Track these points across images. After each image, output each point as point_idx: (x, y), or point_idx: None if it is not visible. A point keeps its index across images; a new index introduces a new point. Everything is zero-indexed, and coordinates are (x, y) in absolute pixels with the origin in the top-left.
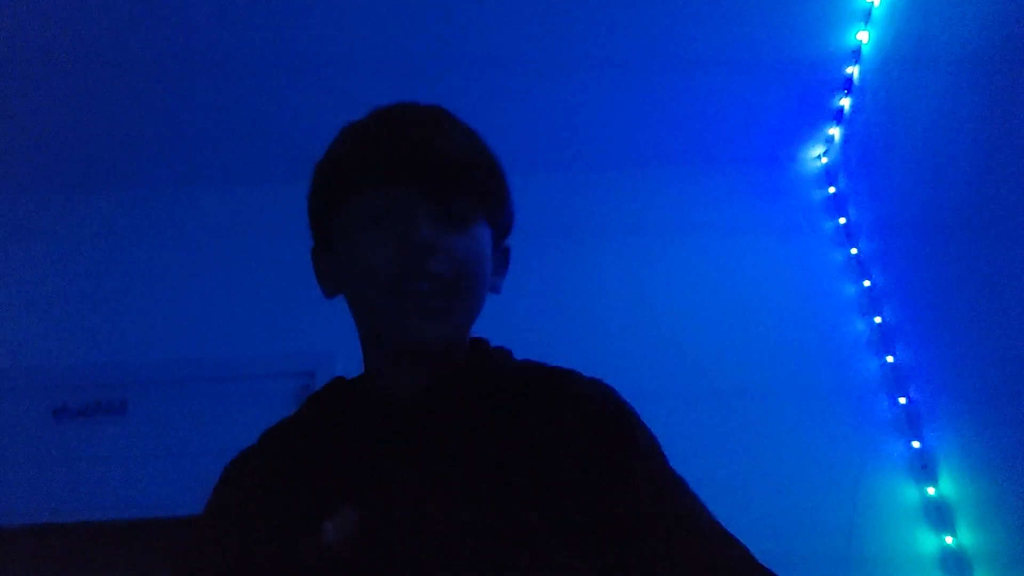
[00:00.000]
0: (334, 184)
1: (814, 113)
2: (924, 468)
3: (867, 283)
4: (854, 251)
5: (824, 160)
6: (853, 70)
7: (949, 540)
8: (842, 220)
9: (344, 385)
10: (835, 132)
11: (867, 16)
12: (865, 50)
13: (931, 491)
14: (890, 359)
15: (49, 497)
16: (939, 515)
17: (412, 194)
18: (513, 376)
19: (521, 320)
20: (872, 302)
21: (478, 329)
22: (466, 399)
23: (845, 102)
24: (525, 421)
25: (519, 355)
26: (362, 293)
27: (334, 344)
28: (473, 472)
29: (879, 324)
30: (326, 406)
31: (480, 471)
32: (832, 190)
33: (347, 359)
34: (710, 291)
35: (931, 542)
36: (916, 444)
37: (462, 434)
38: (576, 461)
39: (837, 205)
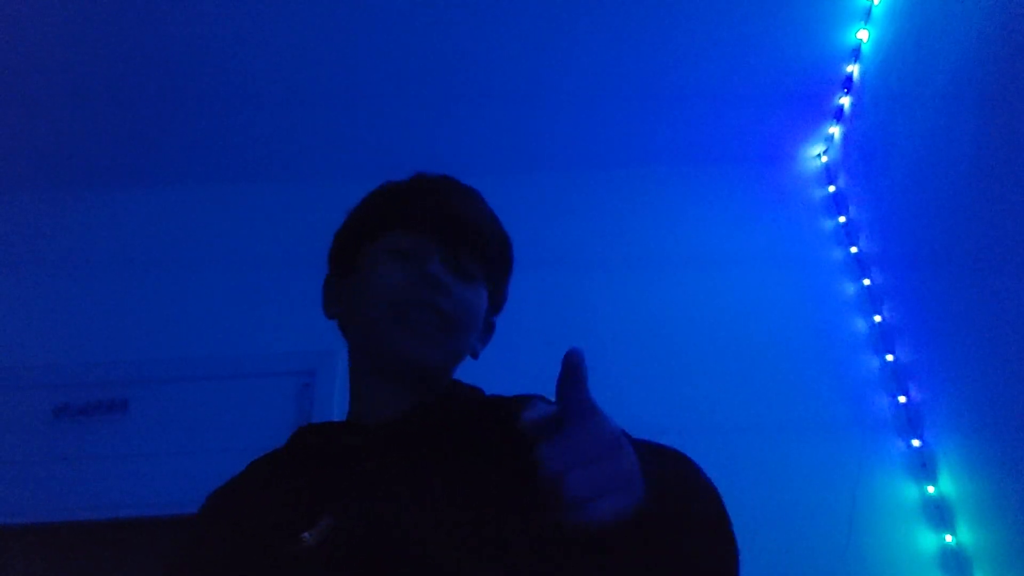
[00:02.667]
0: (369, 221)
1: (814, 112)
2: (924, 467)
3: (867, 282)
4: (854, 250)
5: (824, 159)
6: (853, 68)
7: (949, 539)
8: (842, 219)
9: (323, 424)
10: (835, 131)
11: (867, 15)
12: (865, 49)
13: (931, 490)
14: (890, 358)
15: (50, 496)
16: (939, 514)
17: (433, 242)
18: (481, 407)
19: (520, 318)
20: (872, 301)
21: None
22: (438, 424)
23: (845, 101)
24: (485, 442)
25: (520, 344)
26: (370, 314)
27: (334, 344)
28: (439, 485)
29: (879, 323)
30: (309, 437)
31: (445, 484)
32: (832, 189)
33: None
34: (709, 290)
35: (931, 541)
36: (916, 443)
37: (431, 452)
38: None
39: (837, 204)
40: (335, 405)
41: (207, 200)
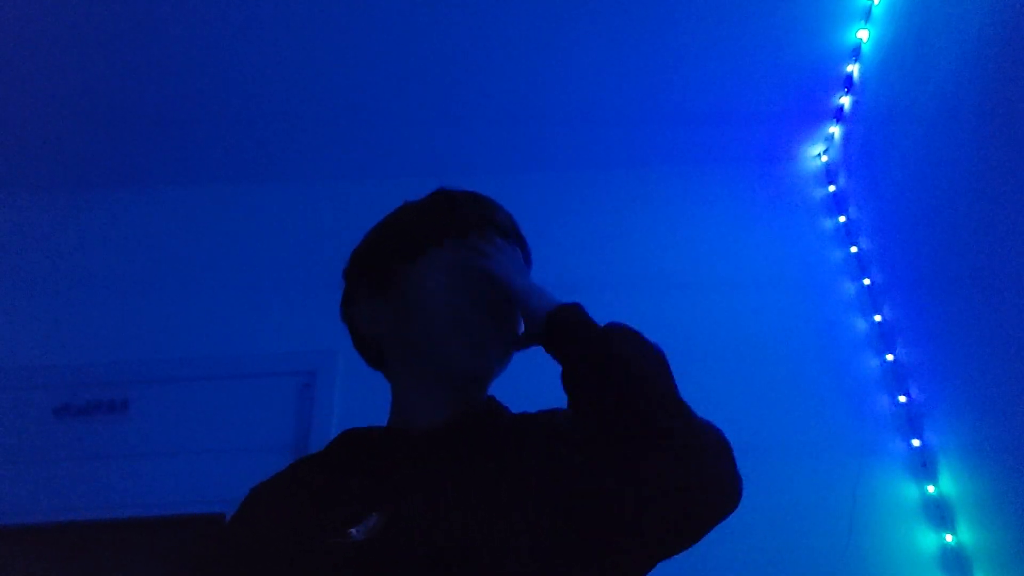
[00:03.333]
0: (406, 242)
1: (814, 111)
2: (924, 466)
3: (867, 281)
4: (854, 249)
5: (824, 158)
6: (853, 68)
7: (949, 538)
8: (842, 218)
9: (366, 429)
10: (835, 130)
11: (867, 14)
12: (865, 48)
13: (931, 489)
14: (890, 357)
15: (50, 496)
16: (939, 513)
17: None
18: (515, 418)
19: None
20: (872, 300)
21: None
22: (477, 431)
23: (845, 100)
24: (520, 448)
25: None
26: (430, 326)
27: (335, 343)
28: (482, 489)
29: (879, 322)
30: (354, 439)
31: (484, 486)
32: (832, 188)
33: (348, 359)
34: (710, 289)
35: (931, 540)
36: (916, 442)
37: (471, 457)
38: (554, 462)
39: (837, 203)
40: (335, 405)
41: (208, 201)
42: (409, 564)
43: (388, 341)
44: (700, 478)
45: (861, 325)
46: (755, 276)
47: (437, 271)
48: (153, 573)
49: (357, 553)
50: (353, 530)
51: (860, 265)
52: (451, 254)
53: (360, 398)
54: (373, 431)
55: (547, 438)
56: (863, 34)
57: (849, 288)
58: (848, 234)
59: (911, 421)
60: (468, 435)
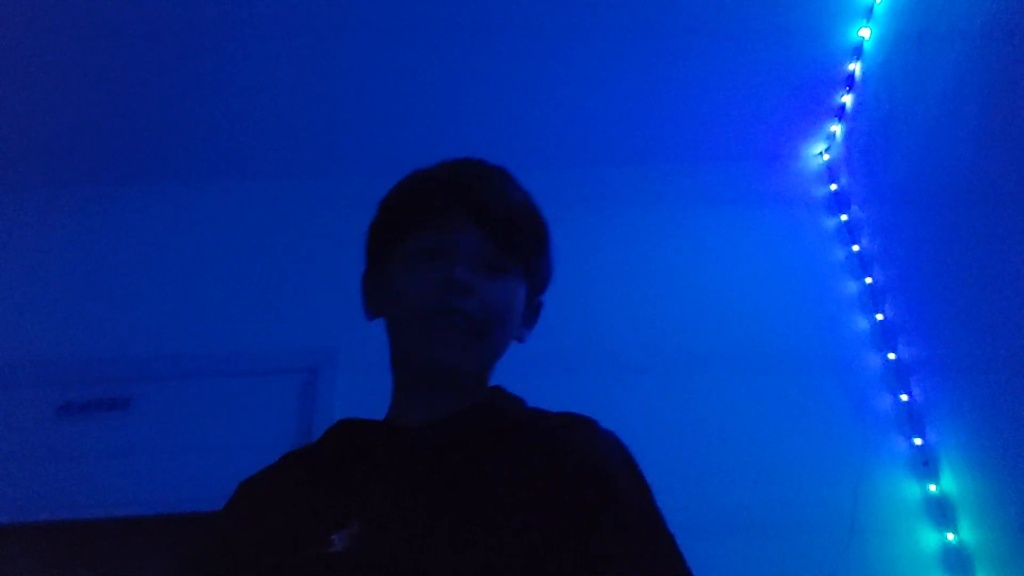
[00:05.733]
0: (395, 223)
1: (816, 110)
2: (926, 465)
3: (869, 280)
4: (856, 248)
5: (826, 157)
6: (855, 67)
7: (951, 537)
8: (844, 217)
9: (364, 420)
10: (837, 129)
11: (869, 13)
12: (867, 47)
13: (933, 488)
14: (892, 356)
15: (52, 494)
16: (941, 512)
17: (460, 240)
18: (523, 420)
19: None
20: (874, 299)
21: None
22: (475, 434)
23: (847, 99)
24: (523, 462)
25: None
26: (401, 319)
27: (337, 341)
28: (468, 496)
29: (881, 321)
30: (346, 433)
31: (476, 502)
32: (834, 187)
33: (350, 356)
34: (711, 288)
35: (933, 539)
36: (918, 441)
37: (464, 461)
38: (560, 507)
39: (839, 202)
40: (337, 402)
41: (210, 197)
42: None
43: (387, 324)
44: None
45: (863, 324)
46: (756, 275)
47: (413, 256)
48: (154, 572)
49: (336, 565)
50: (335, 537)
51: (861, 264)
52: (416, 249)
53: (362, 395)
54: (366, 425)
55: (540, 460)
56: (865, 32)
57: (851, 287)
58: (849, 233)
59: (913, 420)
60: (461, 436)
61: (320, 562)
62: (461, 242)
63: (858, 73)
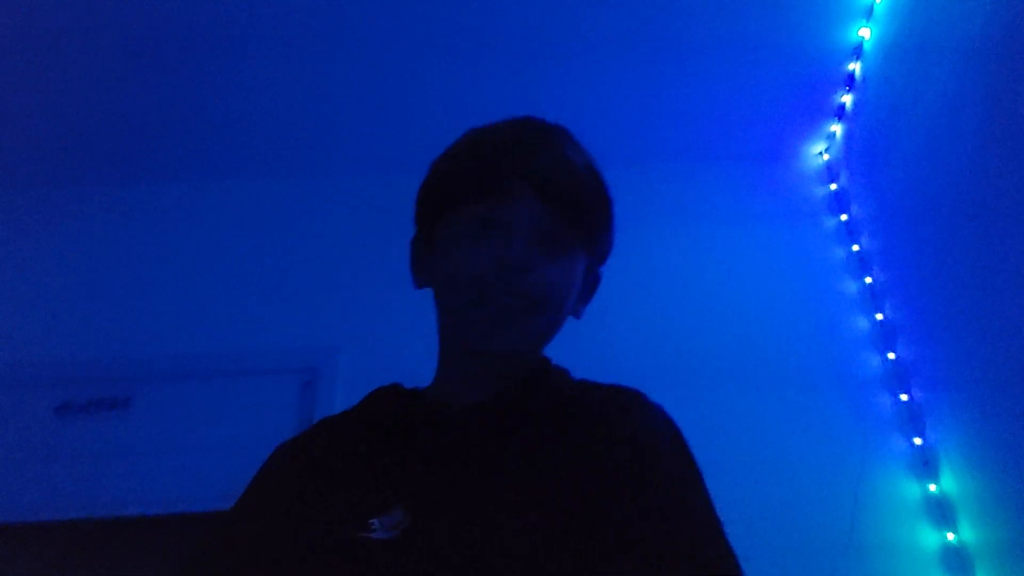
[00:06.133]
0: (447, 190)
1: (816, 109)
2: (926, 465)
3: (869, 280)
4: (856, 248)
5: (826, 157)
6: (855, 66)
7: (951, 536)
8: (844, 217)
9: (405, 390)
10: (837, 128)
11: (869, 12)
12: (867, 46)
13: (932, 488)
14: (892, 356)
15: (52, 494)
16: (941, 512)
17: (518, 212)
18: (571, 395)
19: None
20: (874, 299)
21: None
22: (524, 413)
23: (847, 98)
24: (574, 447)
25: None
26: (452, 295)
27: (338, 340)
28: (518, 486)
29: (881, 321)
30: (387, 405)
31: (524, 486)
32: (834, 187)
33: (351, 355)
34: (711, 288)
35: (933, 538)
36: (918, 441)
37: (515, 448)
38: (607, 485)
39: (839, 202)
40: (337, 402)
41: (210, 197)
42: (423, 570)
43: (435, 296)
44: None
45: (863, 324)
46: (756, 275)
47: (465, 228)
48: (154, 572)
49: (376, 555)
50: (374, 521)
51: (861, 264)
52: (469, 217)
53: (362, 395)
54: (409, 397)
55: (590, 443)
56: (865, 32)
57: (850, 287)
58: (849, 233)
59: (913, 419)
60: (511, 419)
61: (359, 548)
62: (519, 214)
63: (858, 73)
